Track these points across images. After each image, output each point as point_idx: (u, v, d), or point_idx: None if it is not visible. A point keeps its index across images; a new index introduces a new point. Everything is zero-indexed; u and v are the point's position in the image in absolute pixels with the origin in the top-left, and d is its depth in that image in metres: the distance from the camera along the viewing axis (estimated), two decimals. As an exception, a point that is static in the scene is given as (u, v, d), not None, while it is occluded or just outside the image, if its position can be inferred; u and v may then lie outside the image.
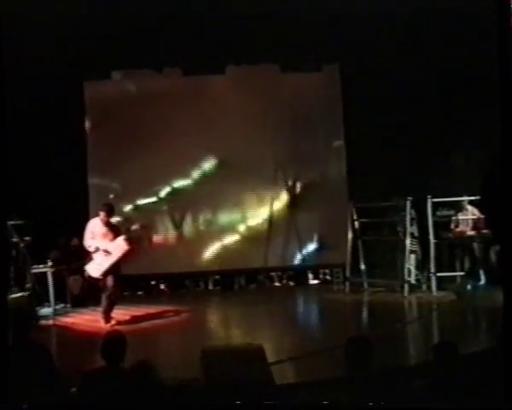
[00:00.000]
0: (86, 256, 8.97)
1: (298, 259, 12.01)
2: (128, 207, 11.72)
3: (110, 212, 8.88)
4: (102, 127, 11.88)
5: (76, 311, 9.91)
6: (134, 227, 9.06)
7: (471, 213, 10.59)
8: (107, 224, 8.84)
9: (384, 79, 11.04)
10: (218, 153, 11.81)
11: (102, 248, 8.67)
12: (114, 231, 8.88)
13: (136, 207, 11.79)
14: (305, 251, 12.00)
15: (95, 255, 8.73)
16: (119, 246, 8.78)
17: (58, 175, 11.34)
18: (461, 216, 10.79)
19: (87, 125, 11.80)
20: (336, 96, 12.04)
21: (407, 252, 10.32)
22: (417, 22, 9.69)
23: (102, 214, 8.82)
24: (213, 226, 12.00)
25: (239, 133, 11.88)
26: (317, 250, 11.94)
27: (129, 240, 8.87)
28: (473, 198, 10.24)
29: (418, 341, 8.16)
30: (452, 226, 10.82)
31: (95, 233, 8.76)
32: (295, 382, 5.91)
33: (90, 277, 8.96)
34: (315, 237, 11.92)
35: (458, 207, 10.74)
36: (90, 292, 10.25)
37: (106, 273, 8.71)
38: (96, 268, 8.75)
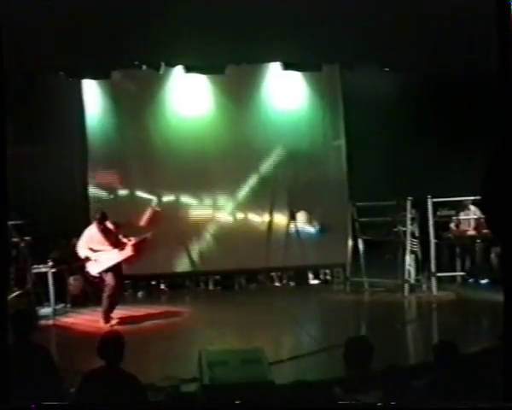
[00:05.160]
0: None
1: (298, 259, 11.98)
2: (128, 207, 11.69)
3: (103, 218, 9.02)
4: (103, 127, 11.87)
5: (76, 311, 9.90)
6: (145, 236, 9.19)
7: (473, 214, 10.60)
8: (103, 230, 8.93)
9: (384, 79, 11.05)
10: (218, 153, 11.78)
11: (97, 256, 8.76)
12: (112, 235, 8.97)
13: (137, 208, 11.76)
14: (305, 251, 11.97)
15: (96, 255, 8.79)
16: (125, 251, 8.86)
17: (58, 175, 11.36)
18: (462, 216, 10.81)
19: (87, 124, 11.77)
20: (336, 96, 12.04)
21: (407, 252, 10.32)
22: (418, 22, 9.68)
23: (96, 222, 8.96)
24: (213, 226, 11.98)
25: (238, 133, 11.88)
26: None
27: (136, 246, 8.94)
28: (472, 198, 10.24)
29: (418, 340, 8.17)
30: (453, 226, 10.84)
31: (92, 241, 8.86)
32: (295, 382, 5.90)
33: (89, 274, 9.05)
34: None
35: (461, 207, 10.76)
36: (90, 292, 10.27)
37: (106, 272, 8.77)
38: (95, 265, 8.82)
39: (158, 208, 9.20)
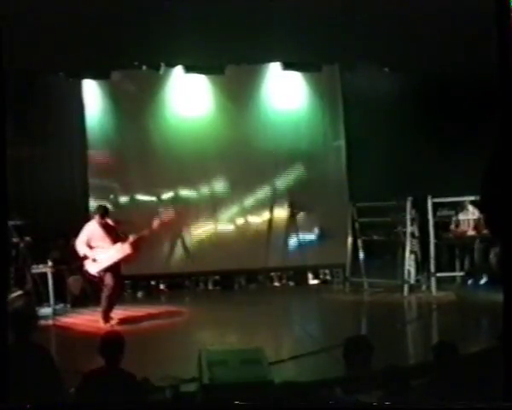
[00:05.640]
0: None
1: (298, 259, 11.98)
2: (128, 207, 11.69)
3: (105, 213, 8.99)
4: (102, 127, 11.87)
5: (76, 311, 9.90)
6: (143, 234, 9.15)
7: (472, 214, 10.61)
8: (105, 225, 8.92)
9: (384, 79, 11.04)
10: (217, 153, 11.78)
11: (96, 255, 8.73)
12: (112, 231, 8.95)
13: (136, 208, 11.76)
14: (305, 251, 11.98)
15: (94, 253, 8.77)
16: (123, 249, 8.83)
17: (58, 175, 11.36)
18: (461, 216, 10.82)
19: (87, 124, 11.77)
20: (336, 96, 12.04)
21: (407, 252, 10.32)
22: (418, 22, 9.68)
23: (97, 217, 8.93)
24: (213, 226, 11.98)
25: (238, 133, 11.88)
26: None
27: (134, 244, 8.92)
28: (473, 198, 10.24)
29: (418, 341, 8.17)
30: (452, 226, 10.86)
31: (93, 237, 8.82)
32: (296, 382, 5.90)
33: (88, 274, 9.04)
34: (316, 231, 11.89)
35: (459, 207, 10.77)
36: (89, 292, 10.26)
37: (104, 272, 8.76)
38: (94, 265, 8.81)
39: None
